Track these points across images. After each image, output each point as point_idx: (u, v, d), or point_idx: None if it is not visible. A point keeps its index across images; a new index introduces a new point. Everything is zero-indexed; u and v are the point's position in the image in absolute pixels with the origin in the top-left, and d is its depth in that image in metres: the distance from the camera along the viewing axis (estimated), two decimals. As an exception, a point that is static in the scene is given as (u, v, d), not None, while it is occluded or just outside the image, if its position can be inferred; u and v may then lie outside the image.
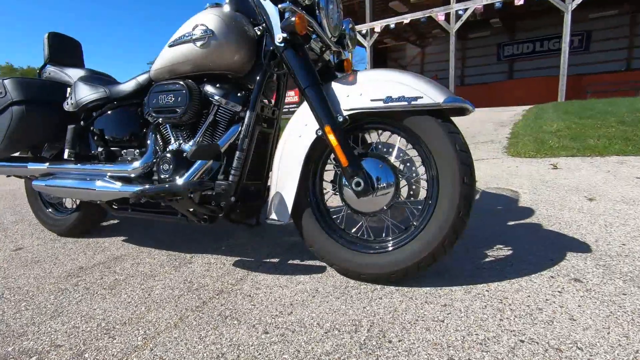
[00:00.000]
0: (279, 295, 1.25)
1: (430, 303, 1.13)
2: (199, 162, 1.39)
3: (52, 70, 1.90)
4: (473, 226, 1.78)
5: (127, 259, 1.67)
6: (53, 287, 1.43)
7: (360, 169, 1.20)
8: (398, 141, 1.29)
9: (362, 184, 1.18)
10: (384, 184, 1.23)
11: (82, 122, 1.71)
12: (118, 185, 1.48)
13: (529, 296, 1.14)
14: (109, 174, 1.54)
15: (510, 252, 1.47)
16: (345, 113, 1.24)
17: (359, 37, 13.75)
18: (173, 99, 1.42)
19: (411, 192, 1.31)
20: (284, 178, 1.34)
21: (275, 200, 1.36)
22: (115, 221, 2.34)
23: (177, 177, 1.40)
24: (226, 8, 1.39)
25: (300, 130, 1.32)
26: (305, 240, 1.37)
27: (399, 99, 1.16)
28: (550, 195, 2.24)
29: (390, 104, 1.17)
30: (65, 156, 1.62)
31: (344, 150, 1.19)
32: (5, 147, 1.66)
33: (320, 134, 1.24)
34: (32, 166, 1.72)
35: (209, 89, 1.45)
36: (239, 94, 1.42)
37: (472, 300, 1.14)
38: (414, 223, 1.24)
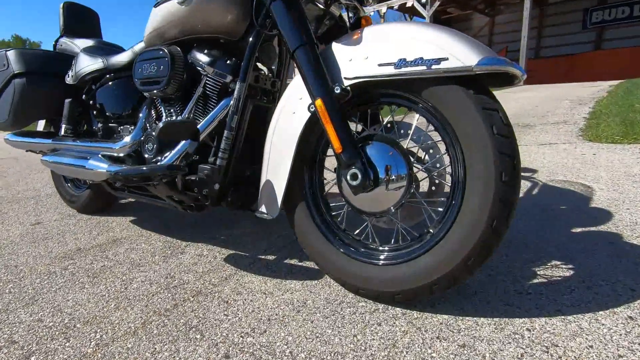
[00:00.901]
0: (259, 305, 1.04)
1: (444, 340, 0.85)
2: (184, 142, 1.20)
3: (64, 42, 1.83)
4: (522, 229, 1.40)
5: (125, 242, 1.57)
6: (44, 269, 1.37)
7: (358, 156, 0.91)
8: (415, 120, 0.98)
9: (360, 176, 0.90)
10: (393, 177, 0.94)
11: (84, 96, 1.61)
12: (106, 165, 1.36)
13: (591, 346, 0.80)
14: (100, 152, 1.42)
15: (571, 272, 1.10)
16: (346, 82, 0.95)
17: (416, 5, 12.63)
18: (155, 68, 1.23)
19: (433, 188, 1.00)
20: (275, 163, 1.10)
21: (265, 189, 1.14)
22: (133, 199, 2.30)
23: (161, 159, 1.23)
24: (212, -45, 1.15)
25: (294, 105, 1.06)
26: (299, 240, 1.14)
27: (416, 61, 0.84)
28: (638, 195, 1.74)
29: (403, 69, 0.86)
30: (62, 132, 1.55)
31: (339, 132, 0.91)
32: (12, 122, 1.63)
33: (313, 110, 0.97)
34: (39, 141, 1.68)
35: (196, 55, 1.24)
36: (228, 61, 1.19)
37: (504, 342, 0.82)
38: (430, 230, 0.93)
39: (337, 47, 0.99)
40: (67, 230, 1.78)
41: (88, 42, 1.76)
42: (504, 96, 6.81)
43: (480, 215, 0.81)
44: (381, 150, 0.96)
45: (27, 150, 1.89)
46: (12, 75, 1.56)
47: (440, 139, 0.93)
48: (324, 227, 1.09)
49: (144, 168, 1.11)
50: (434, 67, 0.83)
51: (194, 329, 0.95)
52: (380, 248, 1.03)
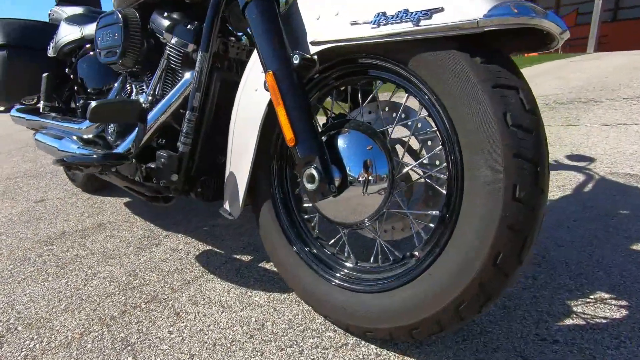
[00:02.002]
0: (211, 322, 0.87)
1: (421, 404, 0.62)
2: (152, 116, 1.03)
3: (55, 11, 1.71)
4: (563, 240, 1.09)
5: (108, 228, 1.48)
6: (22, 254, 1.32)
7: (317, 151, 0.67)
8: (405, 101, 0.71)
9: (317, 179, 0.67)
10: (365, 180, 0.70)
11: (66, 70, 1.50)
12: (75, 146, 1.23)
13: None
14: (71, 132, 1.30)
15: (623, 312, 0.81)
16: (313, 49, 0.71)
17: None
18: (111, 36, 1.05)
19: (430, 194, 0.74)
20: (238, 152, 0.90)
21: (228, 183, 0.94)
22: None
23: (120, 143, 1.08)
24: None
25: (256, 80, 0.83)
26: (265, 247, 0.94)
27: (399, 16, 0.58)
28: None
29: (382, 27, 0.60)
30: (41, 109, 1.45)
31: (293, 117, 0.68)
32: (3, 98, 1.56)
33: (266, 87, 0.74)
34: (29, 118, 1.61)
35: (157, 20, 1.04)
36: (189, 26, 0.98)
37: (505, 421, 0.58)
38: (416, 253, 0.69)
39: (302, 3, 0.73)
40: (62, 210, 1.73)
41: (77, 10, 1.62)
42: (563, 65, 5.94)
43: (479, 246, 0.55)
44: (354, 142, 0.71)
45: (27, 127, 1.85)
46: (-3, 46, 1.47)
47: (435, 127, 0.66)
48: (292, 233, 0.88)
49: (86, 155, 0.96)
50: (423, 22, 0.56)
51: (129, 347, 0.81)
52: (355, 267, 0.80)
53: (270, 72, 0.68)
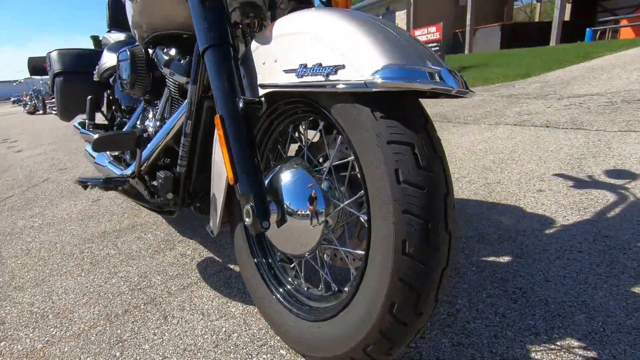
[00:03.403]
0: (189, 328, 0.99)
1: None
2: (153, 142, 1.18)
3: (105, 37, 1.97)
4: (556, 272, 1.01)
5: (138, 230, 1.70)
6: (70, 249, 1.58)
7: (252, 190, 0.73)
8: (337, 142, 0.74)
9: (251, 215, 0.73)
10: (305, 215, 0.74)
11: (107, 92, 1.73)
12: (106, 160, 1.44)
13: None
14: (105, 150, 1.51)
15: (585, 364, 0.75)
16: (260, 92, 0.77)
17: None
18: (124, 69, 1.21)
19: (358, 233, 0.77)
20: (217, 174, 1.00)
21: (212, 202, 1.05)
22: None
23: (131, 163, 1.24)
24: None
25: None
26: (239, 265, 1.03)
27: (314, 69, 0.62)
28: None
29: (304, 78, 0.64)
30: (85, 127, 1.69)
31: (235, 158, 0.74)
32: (61, 115, 1.86)
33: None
34: (82, 131, 1.89)
35: (158, 55, 1.17)
36: (181, 61, 1.09)
37: None
38: (345, 289, 0.72)
39: (255, 46, 0.79)
40: (109, 210, 2.01)
41: (121, 37, 1.85)
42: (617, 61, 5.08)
43: (377, 295, 0.58)
44: (293, 181, 0.76)
45: (85, 140, 2.16)
46: (54, 74, 1.75)
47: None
48: (258, 252, 0.96)
49: (94, 178, 1.12)
50: (330, 77, 0.59)
51: (120, 344, 0.96)
52: (299, 289, 0.85)
53: (218, 116, 0.76)
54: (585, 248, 1.13)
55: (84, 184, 1.10)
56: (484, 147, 2.30)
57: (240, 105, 0.74)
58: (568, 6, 15.78)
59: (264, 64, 0.76)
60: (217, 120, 0.76)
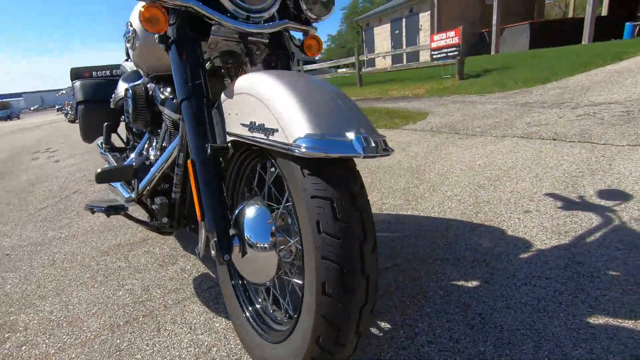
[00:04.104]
0: (176, 341, 1.12)
1: None
2: (151, 171, 1.32)
3: (123, 66, 2.16)
4: (511, 299, 1.05)
5: (148, 243, 1.86)
6: (88, 260, 1.76)
7: (216, 226, 0.84)
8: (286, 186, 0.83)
9: (215, 248, 0.83)
10: (264, 248, 0.84)
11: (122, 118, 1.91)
12: (118, 182, 1.61)
13: None
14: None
15: (520, 393, 0.80)
16: (228, 138, 0.88)
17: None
18: (128, 105, 1.37)
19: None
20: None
21: (199, 228, 1.17)
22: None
23: (137, 186, 1.39)
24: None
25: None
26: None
27: (260, 127, 0.72)
28: None
29: (254, 133, 0.75)
30: (102, 150, 1.88)
31: (202, 198, 0.85)
32: (84, 137, 2.07)
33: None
34: (101, 152, 2.09)
35: (156, 93, 1.31)
36: (174, 100, 1.23)
37: None
38: (294, 316, 0.81)
39: (224, 98, 0.90)
40: (126, 223, 2.20)
41: (135, 67, 2.04)
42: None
43: (307, 327, 0.67)
44: (254, 218, 0.86)
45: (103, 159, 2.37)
46: (77, 102, 1.96)
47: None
48: (235, 274, 1.07)
49: (96, 205, 1.28)
50: (270, 137, 0.69)
51: (117, 353, 1.10)
52: (267, 313, 0.95)
53: (190, 160, 0.87)
54: (554, 275, 1.16)
55: (91, 209, 1.25)
56: (484, 162, 2.31)
57: (209, 151, 0.86)
58: (605, 0, 15.00)
59: (229, 114, 0.87)
60: (189, 164, 0.88)
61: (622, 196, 1.59)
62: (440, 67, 7.41)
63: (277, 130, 0.67)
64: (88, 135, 2.06)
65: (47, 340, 1.20)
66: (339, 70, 15.13)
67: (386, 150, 0.65)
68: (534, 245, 1.33)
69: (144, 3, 0.87)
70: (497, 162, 2.28)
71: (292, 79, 0.74)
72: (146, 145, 1.55)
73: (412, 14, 16.86)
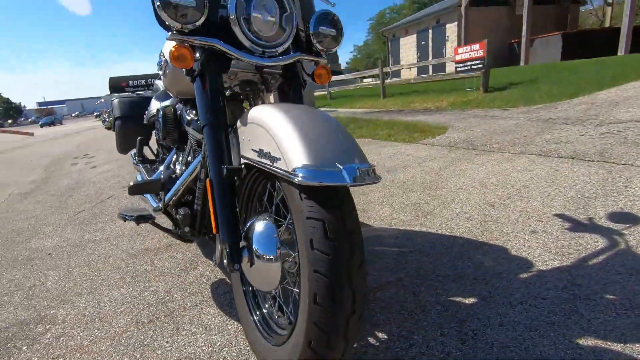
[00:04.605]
0: (192, 341, 1.24)
1: None
2: (177, 184, 1.47)
3: (155, 84, 2.37)
4: (506, 317, 1.09)
5: (172, 249, 2.01)
6: (119, 263, 1.93)
7: (229, 239, 0.95)
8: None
9: (227, 259, 0.94)
10: (270, 259, 0.94)
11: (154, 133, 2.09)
12: (148, 196, 1.77)
13: None
14: (146, 182, 1.85)
15: (501, 405, 0.85)
16: (242, 160, 1.00)
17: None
18: (158, 123, 1.52)
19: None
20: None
21: (216, 238, 1.30)
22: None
23: (164, 198, 1.54)
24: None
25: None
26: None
27: (266, 154, 0.83)
28: None
29: (261, 159, 0.86)
30: (134, 161, 2.06)
31: (218, 213, 0.97)
32: (119, 149, 2.27)
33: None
34: (134, 162, 2.28)
35: (183, 114, 1.46)
36: (198, 122, 1.37)
37: None
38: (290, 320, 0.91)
39: (239, 124, 1.02)
40: (153, 229, 2.37)
41: (168, 85, 2.23)
42: None
43: (301, 332, 0.76)
44: (262, 232, 0.96)
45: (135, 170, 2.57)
46: (114, 118, 2.17)
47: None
48: (245, 281, 1.17)
49: (128, 214, 1.42)
50: (274, 164, 0.80)
51: (140, 347, 1.23)
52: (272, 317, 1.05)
53: (208, 180, 1.00)
54: (551, 295, 1.19)
55: (123, 218, 1.41)
56: (497, 180, 2.33)
57: (225, 172, 0.98)
58: (644, 9, 14.36)
59: (243, 139, 0.99)
60: (207, 182, 1.00)
61: (633, 219, 1.59)
62: (465, 79, 7.37)
63: (279, 159, 0.77)
64: (123, 147, 2.26)
65: (81, 333, 1.35)
66: (365, 80, 15.24)
67: (374, 179, 0.74)
68: (535, 266, 1.36)
69: (174, 43, 1.01)
70: (510, 180, 2.30)
71: (296, 113, 0.85)
72: (173, 159, 1.70)
73: (439, 25, 16.79)
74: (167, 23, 0.95)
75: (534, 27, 13.40)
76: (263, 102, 1.31)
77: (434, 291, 1.31)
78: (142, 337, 1.28)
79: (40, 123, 41.82)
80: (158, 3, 0.91)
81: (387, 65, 14.03)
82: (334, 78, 12.40)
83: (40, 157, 8.06)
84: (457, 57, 7.17)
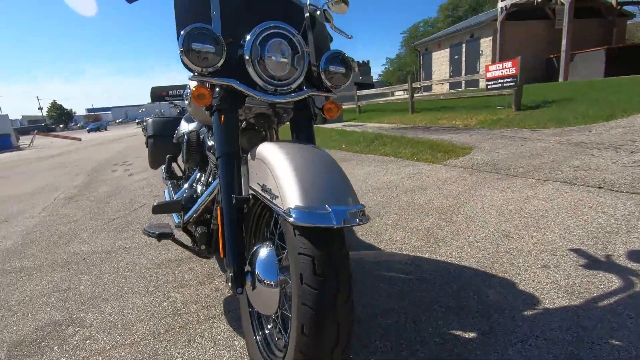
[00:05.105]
0: (201, 353, 1.33)
1: None
2: (196, 204, 1.58)
3: (187, 105, 2.55)
4: (502, 355, 1.09)
5: (192, 261, 2.14)
6: (144, 272, 2.08)
7: (234, 264, 1.03)
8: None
9: (231, 282, 1.03)
10: (266, 284, 1.01)
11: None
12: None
13: None
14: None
15: None
16: (250, 191, 1.09)
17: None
18: (184, 147, 1.66)
19: None
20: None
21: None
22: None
23: (183, 216, 1.66)
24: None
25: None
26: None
27: (269, 191, 0.92)
28: None
29: (264, 193, 0.95)
30: (163, 176, 2.22)
31: (226, 239, 1.06)
32: (150, 164, 2.46)
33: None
34: (163, 177, 2.45)
35: (205, 140, 1.59)
36: (219, 147, 1.48)
37: None
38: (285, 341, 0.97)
39: (249, 158, 1.12)
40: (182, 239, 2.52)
41: (197, 107, 2.40)
42: None
43: (290, 356, 0.82)
44: (264, 258, 1.04)
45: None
46: (148, 136, 2.35)
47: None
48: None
49: (151, 232, 1.55)
50: (273, 200, 0.88)
51: (155, 357, 1.34)
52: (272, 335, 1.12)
53: (219, 207, 1.09)
54: (553, 336, 1.17)
55: (148, 234, 1.54)
56: (516, 208, 2.29)
57: (233, 202, 1.07)
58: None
59: (251, 172, 1.08)
60: (217, 210, 1.09)
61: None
62: (497, 96, 7.21)
63: (277, 197, 0.85)
64: (154, 163, 2.45)
65: (105, 338, 1.48)
66: (396, 93, 15.22)
67: (361, 220, 0.80)
68: (542, 303, 1.35)
69: (195, 83, 1.13)
70: (530, 208, 2.25)
71: (297, 153, 0.93)
72: (196, 179, 1.83)
73: (473, 39, 16.53)
74: (189, 66, 1.07)
75: (575, 41, 12.88)
76: (277, 133, 1.41)
77: (435, 322, 1.32)
78: (157, 346, 1.39)
79: (87, 129, 45.06)
80: (181, 49, 1.03)
81: (417, 80, 13.93)
82: (363, 92, 12.52)
83: (86, 162, 8.66)
84: (489, 75, 7.04)
